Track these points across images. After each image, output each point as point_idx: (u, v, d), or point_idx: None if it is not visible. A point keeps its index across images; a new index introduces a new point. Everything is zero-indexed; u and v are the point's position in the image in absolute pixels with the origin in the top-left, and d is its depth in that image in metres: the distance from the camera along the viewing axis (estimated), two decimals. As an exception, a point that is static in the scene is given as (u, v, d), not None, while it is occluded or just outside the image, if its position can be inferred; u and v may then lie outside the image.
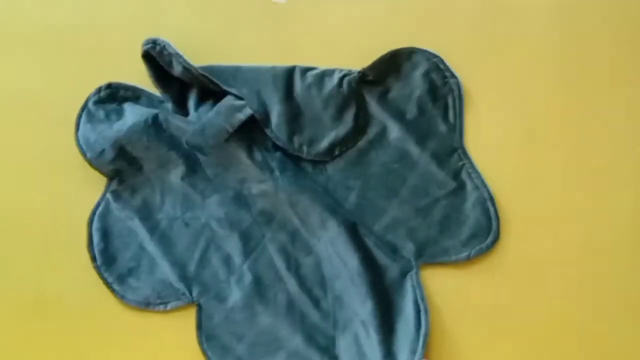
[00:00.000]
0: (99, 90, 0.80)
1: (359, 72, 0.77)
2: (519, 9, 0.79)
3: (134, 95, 0.81)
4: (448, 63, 0.76)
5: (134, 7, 0.83)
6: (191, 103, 0.79)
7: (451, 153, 0.76)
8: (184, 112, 0.79)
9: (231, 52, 0.81)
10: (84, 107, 0.80)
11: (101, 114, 0.79)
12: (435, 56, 0.76)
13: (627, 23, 0.79)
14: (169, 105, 0.80)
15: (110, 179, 0.78)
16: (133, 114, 0.78)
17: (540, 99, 0.76)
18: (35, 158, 0.80)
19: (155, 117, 0.77)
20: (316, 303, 0.74)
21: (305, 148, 0.77)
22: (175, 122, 0.77)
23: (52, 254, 0.77)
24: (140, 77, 0.80)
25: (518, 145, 0.76)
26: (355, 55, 0.79)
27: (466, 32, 0.79)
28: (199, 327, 0.75)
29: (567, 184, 0.75)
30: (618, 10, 0.79)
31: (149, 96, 0.81)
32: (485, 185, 0.75)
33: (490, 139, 0.76)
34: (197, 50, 0.78)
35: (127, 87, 0.81)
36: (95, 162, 0.77)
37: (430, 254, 0.75)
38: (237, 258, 0.76)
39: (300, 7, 0.82)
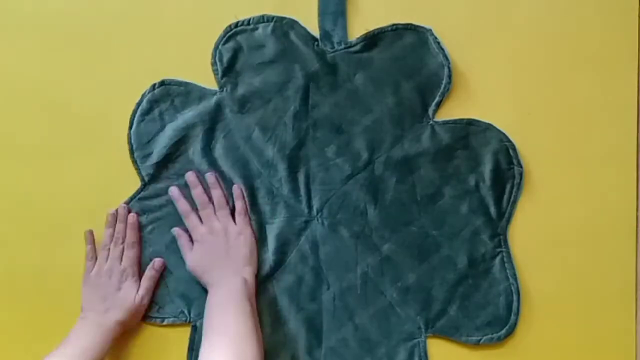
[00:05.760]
0: (153, 87, 0.77)
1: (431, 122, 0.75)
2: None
3: (185, 90, 0.77)
4: (518, 150, 0.73)
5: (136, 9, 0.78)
6: None
7: (493, 237, 0.73)
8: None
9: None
10: (139, 104, 0.77)
11: (155, 113, 0.77)
12: (509, 140, 0.73)
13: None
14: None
15: (143, 184, 0.77)
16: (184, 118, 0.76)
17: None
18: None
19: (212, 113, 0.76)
20: (308, 350, 0.73)
21: None
22: None
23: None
24: (147, 65, 0.77)
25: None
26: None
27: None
28: (191, 348, 0.74)
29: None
30: None
31: (201, 90, 0.77)
32: (516, 278, 0.73)
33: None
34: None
35: (179, 83, 0.77)
36: (140, 161, 0.76)
37: (441, 327, 0.74)
38: None
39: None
